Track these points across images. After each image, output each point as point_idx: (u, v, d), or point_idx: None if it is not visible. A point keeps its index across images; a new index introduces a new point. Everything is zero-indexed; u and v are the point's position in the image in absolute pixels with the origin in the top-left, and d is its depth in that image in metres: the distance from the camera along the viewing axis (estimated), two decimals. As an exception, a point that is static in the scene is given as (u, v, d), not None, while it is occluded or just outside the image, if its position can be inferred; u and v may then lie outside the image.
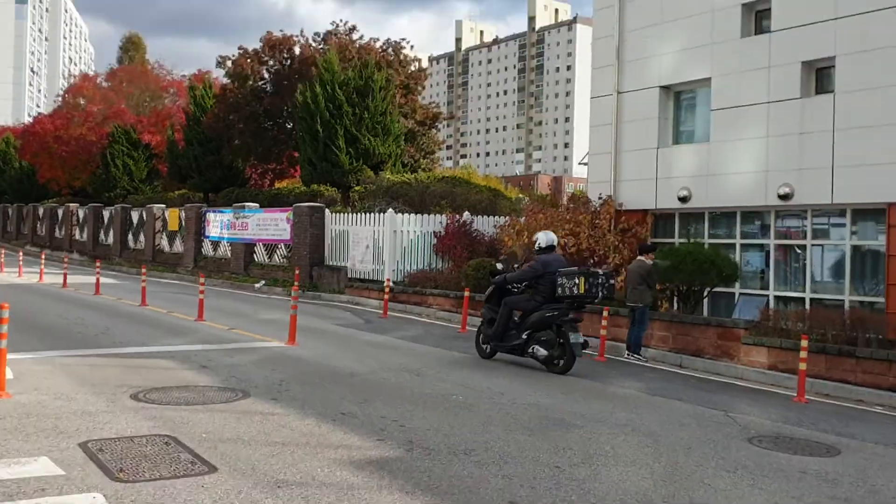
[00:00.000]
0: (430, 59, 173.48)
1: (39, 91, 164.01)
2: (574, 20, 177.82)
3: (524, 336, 10.48)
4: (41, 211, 44.51)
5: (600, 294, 10.46)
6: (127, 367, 8.98)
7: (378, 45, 32.62)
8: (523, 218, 17.49)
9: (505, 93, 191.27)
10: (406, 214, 19.55)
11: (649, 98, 16.78)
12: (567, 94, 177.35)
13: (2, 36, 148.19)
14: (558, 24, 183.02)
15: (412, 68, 33.05)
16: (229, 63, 32.47)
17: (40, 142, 46.72)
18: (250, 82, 32.06)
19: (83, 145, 44.82)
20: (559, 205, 18.03)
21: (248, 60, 31.94)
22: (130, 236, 32.73)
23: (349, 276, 20.30)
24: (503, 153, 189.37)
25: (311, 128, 26.62)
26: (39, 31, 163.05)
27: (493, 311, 10.99)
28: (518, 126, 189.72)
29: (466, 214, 20.13)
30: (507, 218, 19.07)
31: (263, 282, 22.19)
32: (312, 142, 26.72)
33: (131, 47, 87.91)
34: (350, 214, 20.48)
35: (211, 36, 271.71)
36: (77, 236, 38.68)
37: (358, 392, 8.09)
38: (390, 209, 19.41)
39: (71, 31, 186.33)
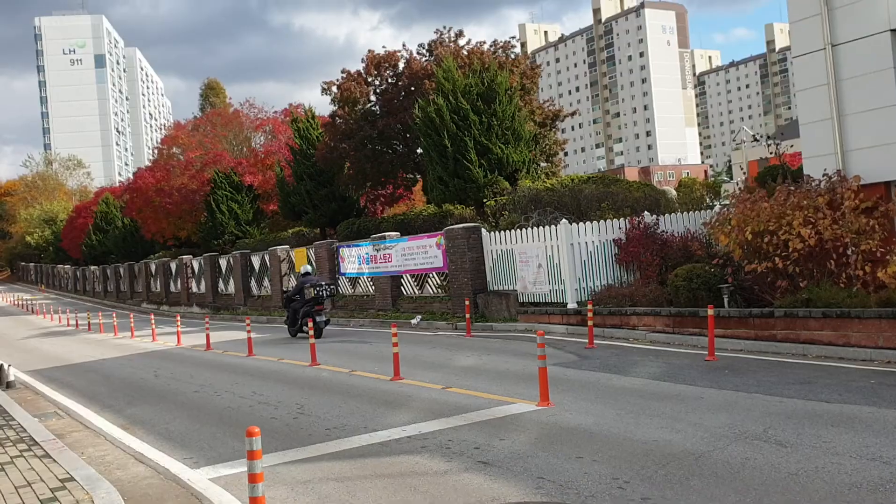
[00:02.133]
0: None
1: (126, 149, 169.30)
2: (641, 5, 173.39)
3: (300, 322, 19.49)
4: (153, 267, 43.92)
5: (325, 295, 19.29)
6: (385, 478, 6.65)
7: (486, 47, 30.34)
8: (734, 209, 14.62)
9: (577, 89, 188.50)
10: (581, 224, 16.97)
11: (878, 46, 13.74)
12: (643, 81, 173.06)
13: (87, 101, 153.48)
14: (625, 13, 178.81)
15: (523, 66, 30.59)
16: (334, 88, 30.68)
17: (144, 197, 46.37)
18: (359, 105, 30.22)
19: (186, 195, 44.14)
20: (773, 188, 15.11)
21: (354, 83, 30.09)
22: (253, 283, 31.23)
23: (520, 300, 17.85)
24: (582, 150, 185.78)
25: (438, 143, 24.40)
26: (119, 91, 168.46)
27: None
28: (594, 121, 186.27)
29: (647, 214, 17.44)
30: (709, 213, 16.29)
31: (420, 317, 19.96)
32: (441, 158, 24.49)
33: (211, 93, 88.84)
34: (513, 232, 18.03)
35: (277, 77, 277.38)
36: (194, 289, 37.64)
37: (758, 494, 5.52)
38: (563, 220, 16.86)
39: (148, 87, 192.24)
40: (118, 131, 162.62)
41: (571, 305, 16.42)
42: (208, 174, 43.21)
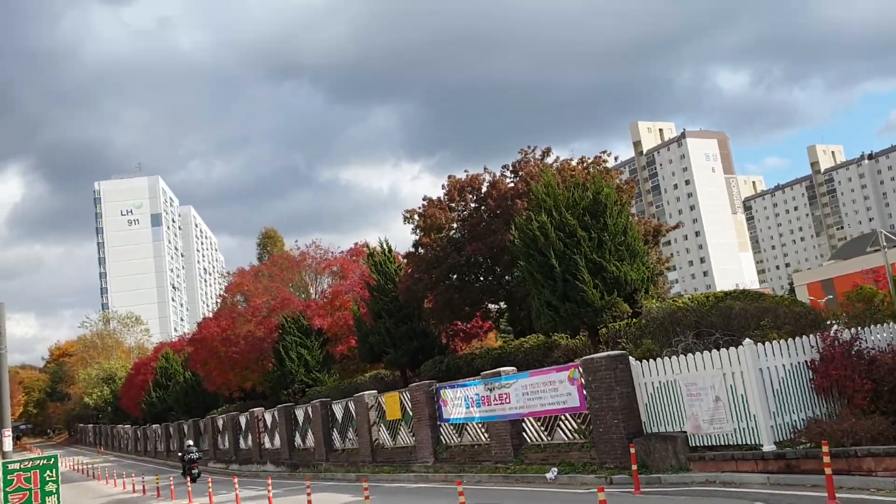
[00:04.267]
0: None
1: (181, 305, 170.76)
2: (682, 135, 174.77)
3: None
4: (221, 422, 41.07)
5: (194, 458, 32.49)
6: None
7: (574, 163, 28.31)
8: None
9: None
10: (768, 344, 13.81)
11: None
12: (692, 208, 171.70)
13: (143, 259, 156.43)
14: (666, 143, 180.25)
15: (617, 180, 28.35)
16: (416, 216, 28.64)
17: (208, 347, 44.22)
18: (443, 232, 28.04)
19: (252, 343, 41.85)
20: None
21: (437, 209, 28.06)
22: (336, 435, 28.08)
23: (690, 443, 14.46)
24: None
25: (544, 264, 21.75)
26: (175, 248, 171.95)
27: None
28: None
29: (837, 328, 14.27)
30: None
31: (556, 470, 16.56)
32: (548, 281, 21.75)
33: (269, 242, 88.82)
34: (674, 359, 14.90)
35: (324, 229, 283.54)
36: (267, 444, 34.50)
37: None
38: (747, 339, 13.73)
39: (202, 243, 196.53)
40: (174, 287, 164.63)
41: (768, 448, 13.01)
42: (275, 320, 41.05)
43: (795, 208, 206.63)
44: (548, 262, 21.50)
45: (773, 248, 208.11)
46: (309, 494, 15.85)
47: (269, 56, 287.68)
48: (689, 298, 21.86)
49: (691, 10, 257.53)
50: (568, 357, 23.84)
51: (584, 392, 16.46)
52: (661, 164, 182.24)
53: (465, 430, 20.86)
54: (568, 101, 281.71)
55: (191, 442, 36.10)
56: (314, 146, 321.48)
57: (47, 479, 13.14)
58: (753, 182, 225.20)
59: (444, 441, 21.69)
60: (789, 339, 14.07)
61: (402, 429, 23.89)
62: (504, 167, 28.65)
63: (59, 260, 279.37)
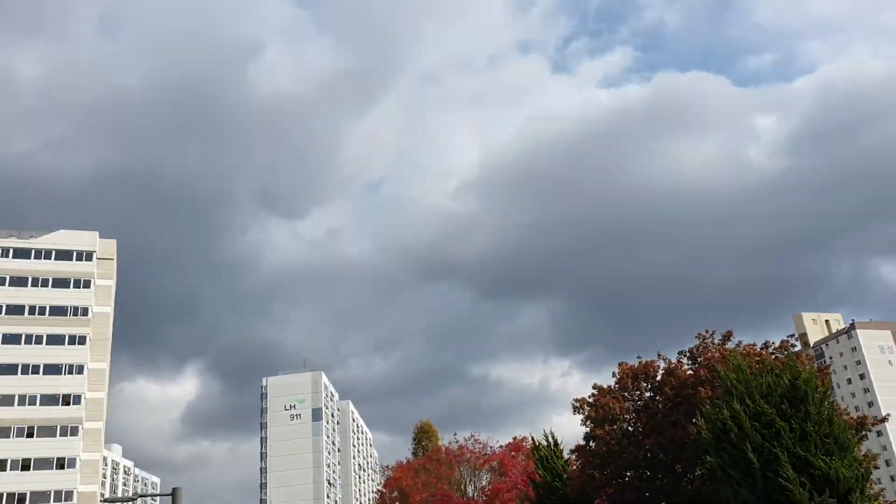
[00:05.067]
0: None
1: (336, 502, 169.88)
2: (852, 326, 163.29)
3: None
4: None
5: None
6: None
7: (758, 348, 26.32)
8: None
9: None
10: None
11: None
12: (870, 404, 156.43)
13: (303, 453, 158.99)
14: (835, 335, 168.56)
15: (809, 366, 25.90)
16: (586, 406, 27.19)
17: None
18: (617, 424, 26.30)
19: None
20: None
21: (611, 398, 26.55)
22: None
23: None
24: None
25: (740, 459, 19.59)
26: (333, 443, 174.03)
27: None
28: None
29: None
30: None
31: None
32: (745, 478, 19.46)
33: (423, 436, 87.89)
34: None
35: (476, 425, 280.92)
36: None
37: None
38: None
39: (358, 438, 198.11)
40: (329, 483, 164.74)
41: None
42: (434, 518, 39.40)
43: None
44: (744, 455, 19.38)
45: None
46: None
47: (424, 259, 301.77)
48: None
49: (843, 202, 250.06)
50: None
51: None
52: (830, 357, 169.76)
53: None
54: (719, 296, 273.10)
55: None
56: (465, 344, 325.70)
57: None
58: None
59: None
60: None
61: None
62: (681, 353, 27.07)
63: (224, 456, 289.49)
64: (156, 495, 28.26)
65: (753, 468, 19.13)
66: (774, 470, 18.85)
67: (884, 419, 26.51)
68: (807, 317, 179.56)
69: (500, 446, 45.38)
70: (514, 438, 45.67)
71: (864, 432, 25.31)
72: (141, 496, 23.61)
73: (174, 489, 15.98)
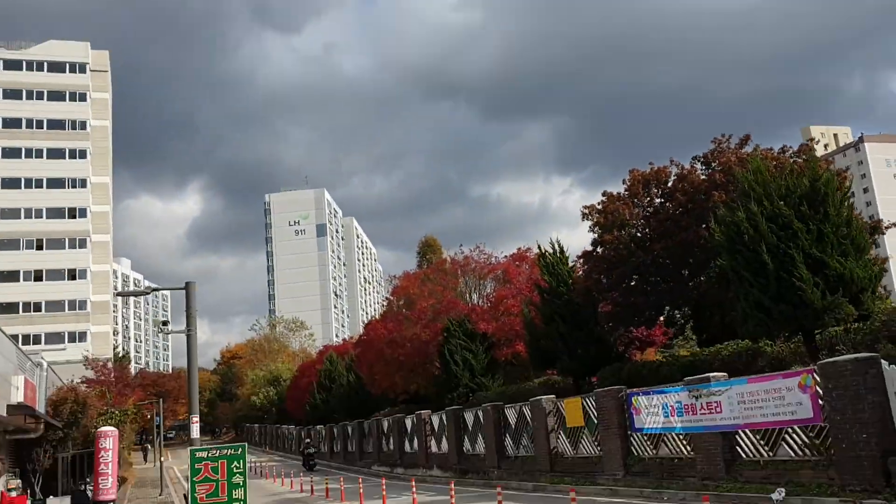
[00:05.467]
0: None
1: (342, 312, 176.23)
2: (860, 140, 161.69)
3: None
4: (386, 424, 40.69)
5: (308, 452, 47.03)
6: None
7: (776, 152, 25.46)
8: None
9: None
10: None
11: None
12: (871, 217, 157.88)
13: (308, 267, 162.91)
14: (842, 149, 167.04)
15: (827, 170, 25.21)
16: (595, 213, 26.80)
17: (375, 350, 44.14)
18: (625, 230, 26.00)
19: (418, 346, 41.28)
20: None
21: (621, 203, 26.09)
22: (509, 441, 26.63)
23: (970, 468, 11.80)
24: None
25: (753, 261, 19.31)
26: (338, 258, 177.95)
27: None
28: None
29: None
30: None
31: (783, 490, 14.23)
32: (758, 279, 19.28)
33: (428, 250, 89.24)
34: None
35: (476, 243, 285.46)
36: (434, 448, 33.60)
37: None
38: None
39: (363, 253, 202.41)
40: (336, 295, 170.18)
41: None
42: (440, 324, 40.30)
43: None
44: (758, 257, 19.08)
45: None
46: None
47: (425, 76, 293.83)
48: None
49: (856, 13, 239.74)
50: (774, 367, 21.22)
51: (820, 401, 14.07)
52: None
53: (663, 441, 18.77)
54: (726, 109, 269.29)
55: (308, 440, 53.89)
56: (467, 163, 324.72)
57: (235, 470, 12.45)
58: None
59: (635, 452, 19.67)
60: None
61: (584, 437, 22.08)
62: (695, 158, 26.23)
63: (232, 270, 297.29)
64: (169, 289, 28.50)
65: (767, 269, 18.91)
66: (788, 270, 18.62)
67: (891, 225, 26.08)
68: (815, 130, 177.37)
69: (505, 256, 45.67)
70: (519, 249, 45.83)
71: (876, 235, 25.08)
72: (154, 289, 23.73)
73: (187, 283, 15.77)
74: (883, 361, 13.29)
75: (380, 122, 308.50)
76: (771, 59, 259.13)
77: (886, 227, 25.01)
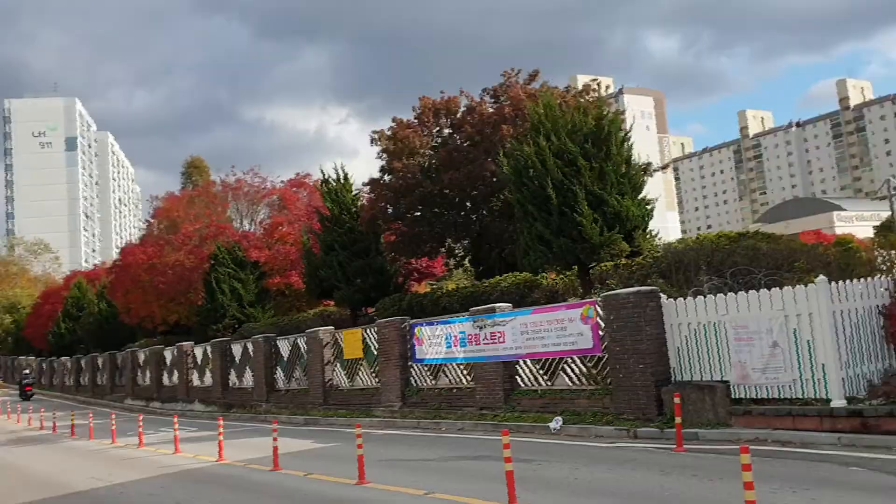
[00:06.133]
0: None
1: (94, 235, 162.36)
2: (620, 91, 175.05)
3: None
4: (142, 356, 37.67)
5: (29, 382, 48.70)
6: None
7: (561, 90, 25.87)
8: None
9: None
10: (841, 283, 11.87)
11: None
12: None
13: (55, 184, 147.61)
14: (604, 98, 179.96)
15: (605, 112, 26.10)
16: (385, 140, 25.78)
17: (131, 276, 40.49)
18: (416, 159, 25.30)
19: (180, 273, 38.48)
20: None
21: (412, 131, 25.28)
22: (280, 374, 25.42)
23: (733, 395, 12.50)
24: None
25: (539, 195, 19.41)
26: (90, 175, 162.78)
27: None
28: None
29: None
30: None
31: (560, 419, 14.43)
32: (542, 213, 19.44)
33: (195, 171, 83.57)
34: (719, 298, 12.81)
35: (247, 169, 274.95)
36: (196, 382, 31.52)
37: None
38: (820, 276, 11.71)
39: (119, 172, 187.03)
40: (86, 216, 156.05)
41: (838, 403, 11.14)
42: (207, 250, 37.71)
43: (721, 171, 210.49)
44: (544, 192, 19.17)
45: (697, 209, 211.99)
46: (275, 440, 13.26)
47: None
48: (695, 239, 19.94)
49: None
50: (548, 298, 21.76)
51: (600, 332, 14.32)
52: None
53: (443, 371, 18.57)
54: (502, 53, 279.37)
55: (27, 371, 54.74)
56: (239, 83, 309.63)
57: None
58: (682, 144, 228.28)
59: (414, 383, 19.35)
60: (864, 279, 12.17)
61: (362, 369, 21.47)
62: (484, 90, 25.96)
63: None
64: None
65: (551, 204, 19.09)
66: (571, 206, 18.93)
67: (666, 166, 27.75)
68: (581, 78, 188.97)
69: (282, 182, 43.59)
70: (297, 174, 43.94)
71: (646, 176, 26.47)
72: None
73: None
74: (662, 295, 13.70)
75: (145, 32, 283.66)
76: (543, 11, 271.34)
77: (654, 170, 26.46)
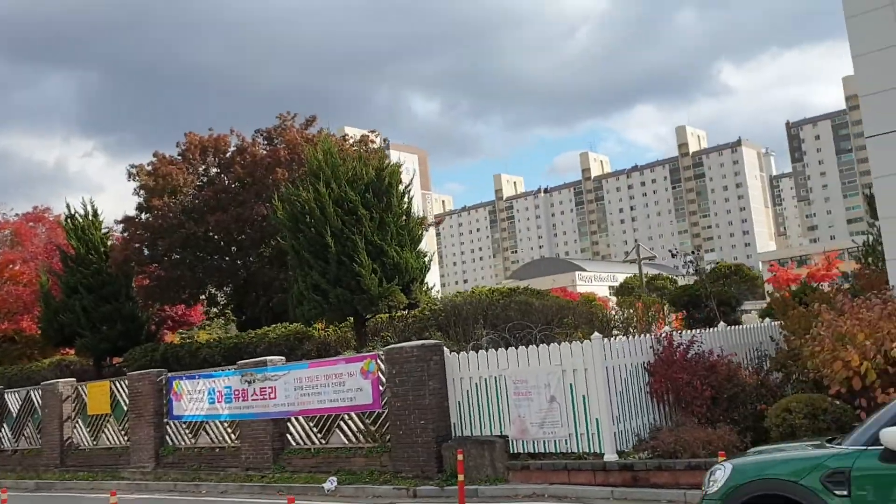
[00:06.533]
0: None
1: None
2: (387, 146, 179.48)
3: None
4: None
5: None
6: None
7: (341, 138, 25.64)
8: (848, 321, 10.99)
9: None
10: (614, 340, 12.37)
11: None
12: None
13: None
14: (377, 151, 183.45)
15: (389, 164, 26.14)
16: (144, 175, 23.76)
17: None
18: (177, 198, 23.56)
19: None
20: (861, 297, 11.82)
21: (175, 168, 23.54)
22: (6, 431, 22.07)
23: (511, 450, 12.52)
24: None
25: (317, 242, 18.75)
26: None
27: None
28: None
29: (667, 329, 13.34)
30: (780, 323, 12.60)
31: (335, 479, 13.63)
32: (318, 262, 18.77)
33: None
34: (500, 353, 12.84)
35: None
36: None
37: None
38: (595, 333, 12.09)
39: None
40: None
41: (610, 457, 11.48)
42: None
43: (478, 230, 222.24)
44: (322, 239, 18.54)
45: (455, 264, 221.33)
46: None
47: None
48: (469, 293, 20.26)
49: (394, 33, 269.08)
50: (321, 351, 21.06)
51: (381, 387, 13.83)
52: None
53: (204, 429, 16.98)
54: (273, 98, 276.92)
55: None
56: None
57: None
58: (444, 201, 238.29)
59: (171, 442, 17.53)
60: (631, 337, 12.80)
61: (109, 426, 19.15)
62: (257, 131, 25.00)
63: None
64: None
65: (329, 252, 18.48)
66: (350, 255, 18.45)
67: (440, 220, 28.21)
68: (350, 130, 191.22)
69: (17, 215, 38.94)
70: (36, 207, 39.53)
71: (423, 230, 26.73)
72: None
73: None
74: (445, 348, 13.53)
75: None
76: (316, 61, 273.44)
77: (429, 225, 26.84)
